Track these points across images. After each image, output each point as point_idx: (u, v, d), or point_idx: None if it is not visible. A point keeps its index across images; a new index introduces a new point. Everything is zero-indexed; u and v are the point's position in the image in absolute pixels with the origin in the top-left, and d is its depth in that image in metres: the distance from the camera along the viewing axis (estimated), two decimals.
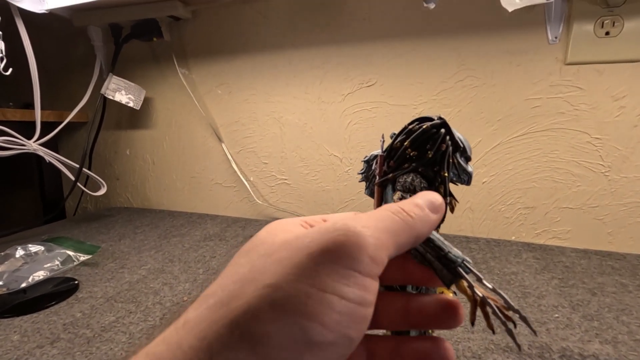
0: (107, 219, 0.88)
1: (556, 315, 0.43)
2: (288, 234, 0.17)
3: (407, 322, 0.19)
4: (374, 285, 0.15)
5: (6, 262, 0.54)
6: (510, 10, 0.56)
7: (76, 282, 0.55)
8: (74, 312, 0.47)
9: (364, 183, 0.32)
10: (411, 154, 0.24)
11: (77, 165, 0.82)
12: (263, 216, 0.88)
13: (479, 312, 0.18)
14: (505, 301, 0.17)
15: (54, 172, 0.86)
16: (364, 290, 0.15)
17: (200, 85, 0.88)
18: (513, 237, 0.69)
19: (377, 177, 0.26)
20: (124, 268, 0.59)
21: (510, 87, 0.66)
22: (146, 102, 0.91)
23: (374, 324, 0.19)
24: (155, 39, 0.86)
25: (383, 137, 0.28)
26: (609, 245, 0.64)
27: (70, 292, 0.52)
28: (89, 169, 0.91)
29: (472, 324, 0.18)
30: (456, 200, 0.27)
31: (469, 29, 0.67)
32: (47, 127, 0.80)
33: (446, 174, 0.24)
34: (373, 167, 0.30)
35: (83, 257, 0.59)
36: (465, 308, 0.18)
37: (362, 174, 0.32)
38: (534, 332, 0.17)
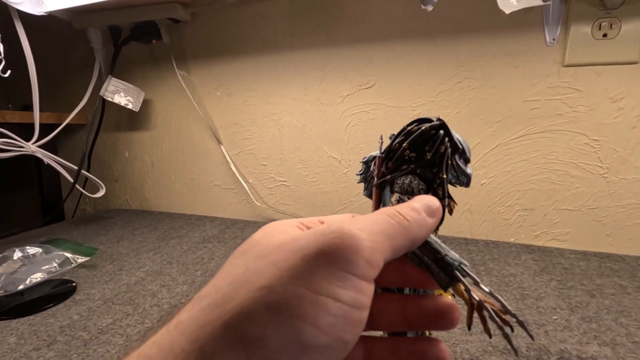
0: (106, 221, 0.88)
1: (554, 317, 0.43)
2: (284, 236, 0.17)
3: (404, 324, 0.19)
4: (369, 288, 0.15)
5: (4, 264, 0.54)
6: (507, 12, 0.56)
7: (74, 284, 0.54)
8: (71, 314, 0.46)
9: (362, 184, 0.32)
10: (410, 155, 0.24)
11: (76, 167, 0.82)
12: (262, 218, 0.88)
13: (476, 316, 0.18)
14: (502, 305, 0.17)
15: (52, 173, 0.86)
16: (359, 293, 0.15)
17: (200, 87, 0.88)
18: (512, 239, 0.69)
19: (376, 179, 0.26)
20: (122, 270, 0.59)
21: (509, 88, 0.66)
22: (145, 104, 0.91)
23: (371, 326, 0.19)
24: (154, 41, 0.86)
25: (382, 139, 0.28)
26: (607, 247, 0.64)
27: (68, 294, 0.52)
28: (88, 170, 0.91)
29: (469, 327, 0.18)
30: (455, 202, 0.27)
31: (467, 31, 0.67)
32: (46, 128, 0.80)
33: (445, 176, 0.24)
34: (372, 169, 0.30)
35: (81, 259, 0.59)
36: (462, 311, 0.18)
37: (360, 175, 0.32)
38: (531, 336, 0.17)
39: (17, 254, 0.56)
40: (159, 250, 0.67)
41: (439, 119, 0.23)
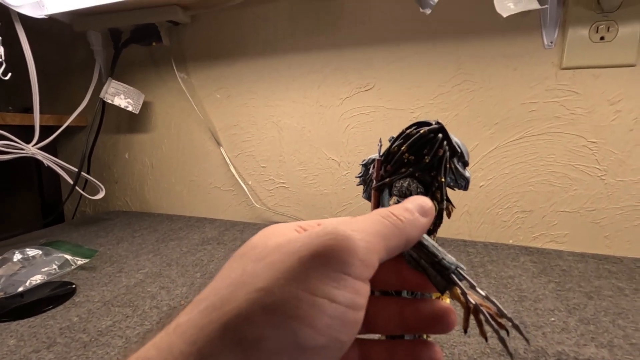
0: (106, 223, 0.88)
1: (552, 319, 0.43)
2: (280, 238, 0.17)
3: (401, 327, 0.19)
4: (364, 289, 0.15)
5: (4, 266, 0.54)
6: (504, 15, 0.56)
7: (73, 286, 0.54)
8: (71, 316, 0.47)
9: (362, 187, 0.32)
10: (408, 158, 0.24)
11: (76, 169, 0.82)
12: (261, 220, 0.88)
13: (472, 319, 0.18)
14: (498, 309, 0.18)
15: (52, 175, 0.86)
16: (354, 294, 0.15)
17: (199, 89, 0.89)
18: (510, 241, 0.70)
19: (374, 182, 0.26)
20: (122, 272, 0.59)
21: (507, 91, 0.66)
22: (145, 106, 0.92)
23: (369, 328, 0.19)
24: (154, 44, 0.86)
25: (381, 142, 0.28)
26: (606, 249, 0.64)
27: (67, 296, 0.52)
28: (88, 172, 0.91)
29: (465, 331, 0.18)
30: (453, 205, 0.27)
31: (466, 33, 0.67)
32: (46, 131, 0.81)
33: (443, 179, 0.24)
34: (371, 171, 0.30)
35: (81, 261, 0.59)
36: (459, 313, 0.18)
37: (360, 177, 0.32)
38: (527, 340, 0.18)
39: (17, 256, 0.56)
40: (158, 252, 0.67)
41: (437, 123, 0.23)
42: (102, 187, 0.85)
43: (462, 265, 0.18)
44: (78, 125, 0.96)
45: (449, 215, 0.26)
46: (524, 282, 0.52)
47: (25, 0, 0.70)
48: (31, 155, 0.76)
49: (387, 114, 0.74)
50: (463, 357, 0.36)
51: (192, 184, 0.94)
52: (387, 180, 0.25)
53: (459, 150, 0.25)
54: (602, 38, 0.59)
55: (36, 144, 0.76)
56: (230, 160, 0.88)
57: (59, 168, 0.81)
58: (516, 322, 0.18)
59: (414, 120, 0.25)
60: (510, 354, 0.17)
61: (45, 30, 0.87)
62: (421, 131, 0.23)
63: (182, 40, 0.88)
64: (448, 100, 0.70)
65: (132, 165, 0.99)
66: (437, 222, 0.25)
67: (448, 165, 0.24)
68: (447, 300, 0.21)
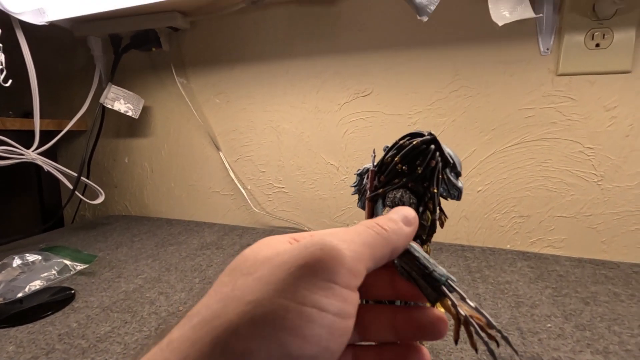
0: (105, 227, 0.88)
1: (549, 325, 0.43)
2: (270, 251, 0.17)
3: (393, 335, 0.20)
4: (353, 297, 0.16)
5: (3, 272, 0.54)
6: (500, 24, 0.57)
7: (72, 291, 0.55)
8: (70, 322, 0.47)
9: (357, 196, 0.33)
10: (402, 169, 0.24)
11: (76, 174, 0.83)
12: (260, 224, 0.89)
13: (462, 330, 0.19)
14: (488, 320, 0.18)
15: (52, 180, 0.87)
16: (343, 302, 0.15)
17: (199, 94, 0.89)
18: (508, 246, 0.70)
19: (368, 192, 0.27)
20: (121, 277, 0.59)
21: (504, 96, 0.67)
22: (145, 111, 0.92)
23: (361, 336, 0.20)
24: (154, 49, 0.87)
25: (374, 152, 0.28)
26: (602, 254, 0.64)
27: (67, 301, 0.52)
28: (88, 177, 0.92)
29: (456, 342, 0.18)
30: (445, 215, 0.27)
31: (463, 40, 0.68)
32: (46, 135, 0.81)
33: (435, 190, 0.24)
34: (365, 181, 0.30)
35: (80, 267, 0.59)
36: (450, 322, 0.19)
37: (355, 186, 0.33)
38: (516, 352, 0.18)
39: (17, 262, 0.56)
40: (157, 257, 0.68)
41: (430, 134, 0.24)
42: (102, 191, 0.85)
43: (452, 277, 0.18)
44: (78, 130, 0.96)
45: (441, 225, 0.27)
46: (520, 287, 0.53)
47: (26, 7, 0.71)
48: (31, 161, 0.76)
49: (385, 120, 0.75)
50: None
51: (191, 188, 0.94)
52: (381, 190, 0.25)
53: (451, 161, 0.25)
54: (597, 45, 0.60)
55: (36, 149, 0.77)
56: (229, 164, 0.88)
57: (59, 173, 0.81)
58: (505, 333, 0.18)
59: (412, 126, 0.25)
60: None
61: (45, 36, 0.88)
62: (414, 142, 0.24)
63: (182, 46, 0.89)
64: (445, 106, 0.70)
65: (132, 170, 1.00)
66: (430, 231, 0.25)
67: (440, 176, 0.25)
68: (441, 309, 0.21)
